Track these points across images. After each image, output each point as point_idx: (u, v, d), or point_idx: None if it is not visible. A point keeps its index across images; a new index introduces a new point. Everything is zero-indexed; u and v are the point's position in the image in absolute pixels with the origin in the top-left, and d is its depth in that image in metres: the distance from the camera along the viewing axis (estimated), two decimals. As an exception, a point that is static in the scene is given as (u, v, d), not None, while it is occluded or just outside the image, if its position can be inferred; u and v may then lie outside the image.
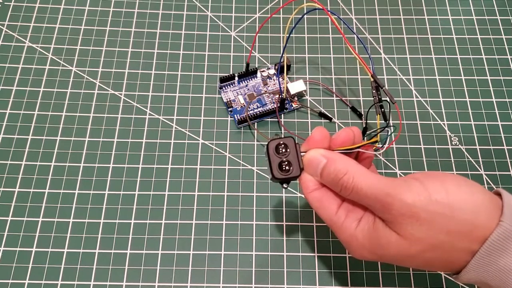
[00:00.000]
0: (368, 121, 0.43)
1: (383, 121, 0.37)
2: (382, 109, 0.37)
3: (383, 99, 0.37)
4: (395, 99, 0.44)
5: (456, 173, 0.41)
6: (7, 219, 0.38)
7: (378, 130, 0.35)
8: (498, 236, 0.25)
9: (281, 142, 0.30)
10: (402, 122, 0.43)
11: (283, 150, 0.30)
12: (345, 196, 0.29)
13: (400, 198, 0.27)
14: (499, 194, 0.27)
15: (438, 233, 0.27)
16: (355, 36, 0.42)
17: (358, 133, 0.31)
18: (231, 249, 0.38)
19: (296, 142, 0.31)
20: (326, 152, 0.30)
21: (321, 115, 0.43)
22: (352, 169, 0.28)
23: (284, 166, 0.30)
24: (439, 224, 0.26)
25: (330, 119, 0.43)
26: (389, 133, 0.39)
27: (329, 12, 0.35)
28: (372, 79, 0.36)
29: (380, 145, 0.36)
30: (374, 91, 0.36)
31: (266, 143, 0.31)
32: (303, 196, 0.40)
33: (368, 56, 0.47)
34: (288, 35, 0.39)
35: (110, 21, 0.49)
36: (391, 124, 0.34)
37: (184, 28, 0.48)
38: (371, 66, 0.38)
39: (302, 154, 0.31)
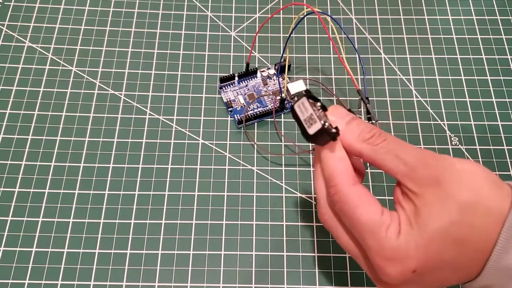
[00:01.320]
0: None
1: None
2: (371, 121, 0.36)
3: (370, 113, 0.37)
4: (392, 98, 0.45)
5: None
6: (7, 219, 0.38)
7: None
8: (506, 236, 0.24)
9: (311, 95, 0.27)
10: (392, 122, 0.43)
11: (314, 103, 0.27)
12: (370, 147, 0.26)
13: (436, 164, 0.25)
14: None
15: (456, 203, 0.25)
16: (358, 46, 0.41)
17: None
18: (231, 249, 0.38)
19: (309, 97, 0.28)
20: (347, 113, 0.28)
21: (350, 111, 0.43)
22: (380, 130, 0.27)
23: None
24: (461, 191, 0.25)
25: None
26: None
27: (322, 19, 0.35)
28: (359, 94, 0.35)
29: None
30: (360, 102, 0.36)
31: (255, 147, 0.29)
32: (303, 196, 0.40)
33: (368, 56, 0.47)
34: (288, 35, 0.38)
35: (110, 21, 0.49)
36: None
37: (184, 28, 0.48)
38: (363, 77, 0.37)
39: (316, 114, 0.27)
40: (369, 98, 0.45)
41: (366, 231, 0.25)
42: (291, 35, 0.48)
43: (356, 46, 0.36)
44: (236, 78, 0.45)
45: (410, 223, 0.25)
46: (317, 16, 0.49)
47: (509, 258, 0.25)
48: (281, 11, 0.50)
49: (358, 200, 0.26)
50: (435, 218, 0.25)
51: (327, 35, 0.48)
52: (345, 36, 0.38)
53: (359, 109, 0.35)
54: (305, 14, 0.37)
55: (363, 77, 0.36)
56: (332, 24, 0.36)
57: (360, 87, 0.36)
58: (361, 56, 0.47)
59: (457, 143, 0.43)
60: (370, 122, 0.34)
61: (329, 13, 0.49)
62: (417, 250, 0.25)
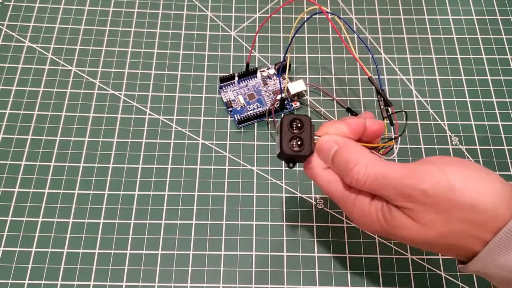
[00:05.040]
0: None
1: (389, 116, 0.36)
2: (388, 113, 0.36)
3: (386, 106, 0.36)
4: (392, 98, 0.44)
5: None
6: (7, 219, 0.38)
7: (394, 136, 0.33)
8: (508, 230, 0.25)
9: (297, 118, 0.29)
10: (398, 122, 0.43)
11: (298, 126, 0.29)
12: (358, 188, 0.28)
13: (422, 189, 0.26)
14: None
15: (455, 221, 0.26)
16: (364, 46, 0.41)
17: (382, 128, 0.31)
18: (231, 249, 0.38)
19: (312, 123, 0.29)
20: (339, 138, 0.29)
21: (349, 110, 0.44)
22: (364, 159, 0.27)
23: (295, 141, 0.29)
24: (458, 213, 0.26)
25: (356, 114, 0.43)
26: (396, 143, 0.38)
27: (331, 19, 0.34)
28: (378, 95, 0.35)
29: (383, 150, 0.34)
30: (378, 96, 0.35)
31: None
32: (303, 196, 0.40)
33: (372, 59, 0.47)
34: (293, 35, 0.38)
35: (110, 21, 0.48)
36: (397, 135, 0.32)
37: (184, 28, 0.48)
38: (377, 77, 0.37)
39: (316, 138, 0.29)
40: (369, 98, 0.45)
41: (338, 200, 0.30)
42: (294, 35, 0.48)
43: (368, 45, 0.36)
44: (236, 78, 0.45)
45: None
46: (317, 16, 0.49)
47: (502, 258, 0.25)
48: (281, 11, 0.49)
49: (326, 183, 0.29)
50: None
51: (329, 35, 0.48)
52: (356, 36, 0.38)
53: (378, 97, 0.34)
54: (312, 13, 0.37)
55: (377, 76, 0.36)
56: (341, 24, 0.36)
57: (373, 79, 0.36)
58: (360, 55, 0.47)
59: (457, 143, 0.43)
60: (386, 108, 0.34)
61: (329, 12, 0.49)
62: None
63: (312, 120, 0.30)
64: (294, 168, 0.41)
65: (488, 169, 0.28)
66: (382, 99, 0.34)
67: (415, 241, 0.28)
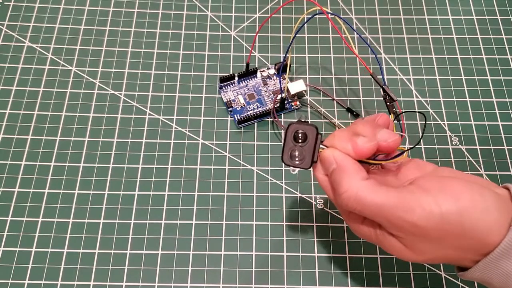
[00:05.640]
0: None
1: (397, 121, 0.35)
2: (394, 109, 0.35)
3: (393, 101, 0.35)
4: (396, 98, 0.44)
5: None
6: (7, 219, 0.38)
7: (406, 148, 0.31)
8: (507, 243, 0.25)
9: (302, 130, 0.29)
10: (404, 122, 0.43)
11: (301, 138, 0.29)
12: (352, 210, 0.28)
13: (412, 220, 0.25)
14: (508, 189, 0.27)
15: (447, 249, 0.26)
16: (366, 45, 0.41)
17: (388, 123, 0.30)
18: (231, 249, 0.38)
19: (319, 133, 0.29)
20: (339, 156, 0.28)
21: (349, 110, 0.44)
22: (355, 187, 0.27)
23: (296, 153, 0.29)
24: (450, 242, 0.26)
25: (357, 115, 0.43)
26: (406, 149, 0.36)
27: (331, 19, 0.34)
28: (382, 92, 0.35)
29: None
30: (382, 93, 0.35)
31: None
32: (303, 196, 0.40)
33: (376, 59, 0.47)
34: (294, 35, 0.38)
35: (110, 21, 0.48)
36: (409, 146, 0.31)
37: (184, 28, 0.48)
38: (382, 76, 0.37)
39: (322, 147, 0.29)
40: (369, 98, 0.45)
41: (335, 205, 0.30)
42: (295, 35, 0.48)
43: (368, 42, 0.35)
44: (236, 78, 0.45)
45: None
46: (317, 17, 0.49)
47: (503, 266, 0.26)
48: (281, 11, 0.49)
49: (325, 189, 0.30)
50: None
51: (329, 35, 0.48)
52: (356, 34, 0.37)
53: (383, 95, 0.34)
54: (313, 14, 0.37)
55: (381, 76, 0.36)
56: (342, 24, 0.36)
57: (378, 79, 0.35)
58: (360, 56, 0.47)
59: (457, 143, 0.43)
60: (391, 104, 0.34)
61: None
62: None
63: (314, 121, 0.29)
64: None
65: (481, 179, 0.27)
66: (386, 95, 0.34)
67: (407, 260, 0.28)
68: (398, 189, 0.27)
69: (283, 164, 0.30)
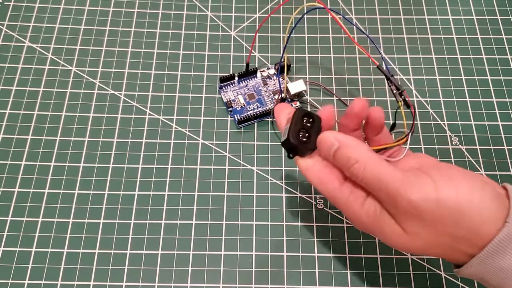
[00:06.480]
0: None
1: (406, 111, 0.35)
2: (402, 97, 0.35)
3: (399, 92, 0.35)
4: (392, 98, 0.44)
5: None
6: (6, 219, 0.38)
7: (406, 131, 0.33)
8: (502, 238, 0.25)
9: (310, 114, 0.30)
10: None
11: (309, 121, 0.30)
12: (356, 181, 0.29)
13: (408, 198, 0.26)
14: (505, 189, 0.27)
15: (442, 235, 0.26)
16: (365, 36, 0.41)
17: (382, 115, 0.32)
18: (231, 249, 0.38)
19: (321, 125, 0.30)
20: (339, 136, 0.29)
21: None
22: (364, 158, 0.28)
23: (303, 133, 0.30)
24: (444, 228, 0.26)
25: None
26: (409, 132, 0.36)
27: (330, 11, 0.35)
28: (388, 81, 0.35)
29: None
30: (388, 82, 0.35)
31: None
32: (303, 196, 0.40)
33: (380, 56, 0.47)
34: (288, 35, 0.38)
35: (110, 21, 0.48)
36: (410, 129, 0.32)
37: (184, 28, 0.48)
38: (384, 66, 0.37)
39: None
40: (369, 98, 0.45)
41: (331, 199, 0.30)
42: (291, 35, 0.48)
43: (369, 42, 0.35)
44: (236, 78, 0.45)
45: None
46: (317, 16, 0.49)
47: (498, 262, 0.26)
48: (281, 11, 0.49)
49: (317, 180, 0.30)
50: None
51: (329, 35, 0.48)
52: (355, 27, 0.37)
53: (388, 83, 0.34)
54: (313, 7, 0.37)
55: (384, 65, 0.36)
56: (341, 22, 0.36)
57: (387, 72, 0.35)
58: (361, 55, 0.47)
59: (457, 143, 0.43)
60: (399, 92, 0.34)
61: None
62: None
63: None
64: (294, 168, 0.41)
65: (482, 176, 0.28)
66: (393, 84, 0.34)
67: (403, 248, 0.28)
68: (402, 170, 0.28)
69: (288, 143, 0.30)
